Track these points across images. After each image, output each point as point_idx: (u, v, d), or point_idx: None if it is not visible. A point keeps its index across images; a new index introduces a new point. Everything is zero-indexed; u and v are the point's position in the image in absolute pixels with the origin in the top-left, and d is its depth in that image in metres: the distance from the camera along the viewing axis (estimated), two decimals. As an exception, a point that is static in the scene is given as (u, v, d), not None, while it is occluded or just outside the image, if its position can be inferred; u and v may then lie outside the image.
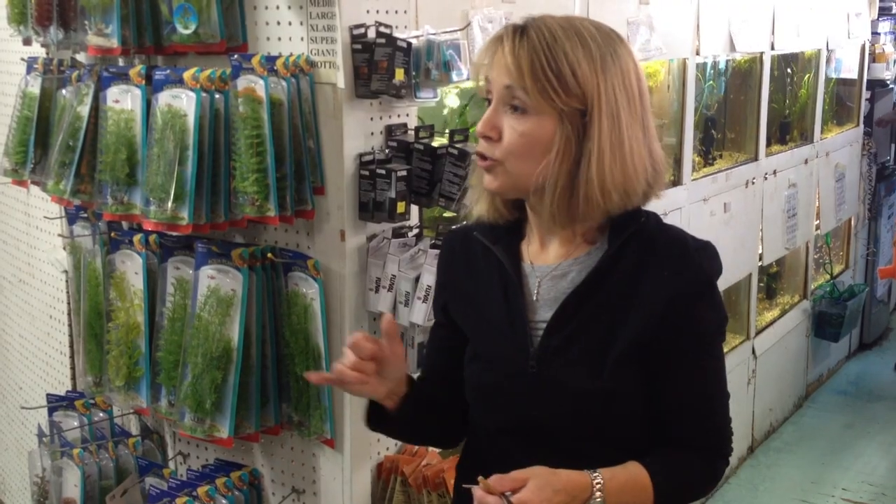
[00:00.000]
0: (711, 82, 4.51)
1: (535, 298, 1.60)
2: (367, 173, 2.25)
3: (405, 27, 2.32)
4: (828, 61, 5.36)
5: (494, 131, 1.52)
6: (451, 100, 2.94)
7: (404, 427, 1.75)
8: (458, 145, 2.29)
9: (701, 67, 4.24)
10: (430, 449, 2.50)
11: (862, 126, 5.90)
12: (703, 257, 1.57)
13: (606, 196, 1.50)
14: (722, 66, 4.58)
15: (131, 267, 2.50)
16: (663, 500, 1.55)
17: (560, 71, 1.47)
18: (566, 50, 1.48)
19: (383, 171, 2.23)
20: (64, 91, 2.60)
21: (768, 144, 4.69)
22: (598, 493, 1.47)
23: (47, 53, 2.84)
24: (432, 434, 1.85)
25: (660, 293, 1.52)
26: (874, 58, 5.93)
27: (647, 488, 1.53)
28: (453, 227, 1.79)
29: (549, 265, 1.61)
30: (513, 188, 1.55)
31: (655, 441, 1.59)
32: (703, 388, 1.59)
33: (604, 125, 1.49)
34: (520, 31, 1.50)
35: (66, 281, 3.08)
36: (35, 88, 2.75)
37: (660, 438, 1.59)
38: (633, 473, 1.53)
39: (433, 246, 2.29)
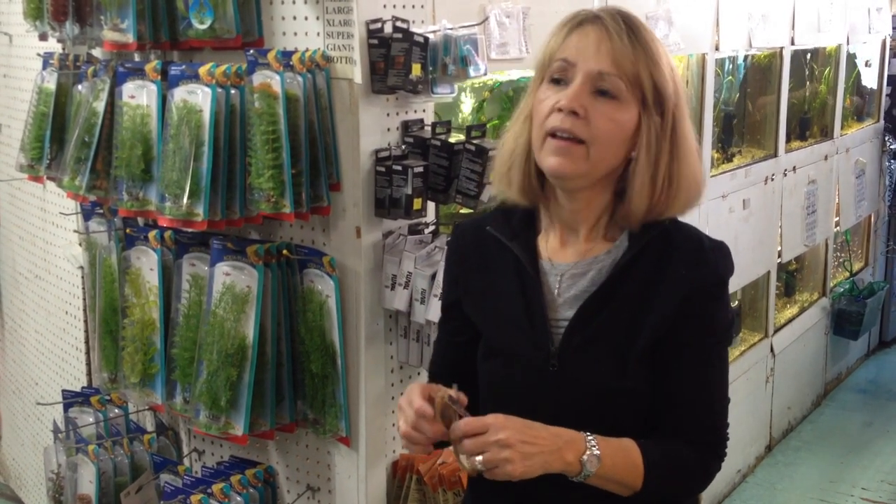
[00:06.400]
0: (730, 77, 4.48)
1: (556, 295, 1.60)
2: (383, 169, 2.24)
3: (422, 22, 2.30)
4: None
5: (583, 109, 1.49)
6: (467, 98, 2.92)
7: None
8: (475, 141, 2.27)
9: (719, 63, 4.20)
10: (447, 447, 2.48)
11: (882, 122, 5.84)
12: (717, 256, 1.59)
13: (694, 188, 1.55)
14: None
15: (146, 263, 2.50)
16: (653, 482, 1.52)
17: (663, 66, 1.50)
18: (662, 48, 1.51)
19: (399, 168, 2.22)
20: (80, 86, 2.60)
21: (788, 140, 4.65)
22: (592, 450, 1.46)
23: (63, 49, 2.84)
24: None
25: (676, 291, 1.54)
26: (894, 53, 5.87)
27: (637, 463, 1.51)
28: (461, 222, 1.77)
29: (569, 263, 1.60)
30: (585, 175, 1.53)
31: (653, 433, 1.58)
32: (704, 384, 1.58)
33: (686, 120, 1.54)
34: (623, 17, 1.51)
35: (82, 277, 3.08)
36: (51, 84, 2.75)
37: (657, 430, 1.58)
38: (623, 444, 1.52)
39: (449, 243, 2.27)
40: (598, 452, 1.46)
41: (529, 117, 1.57)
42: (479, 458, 1.40)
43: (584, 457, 1.45)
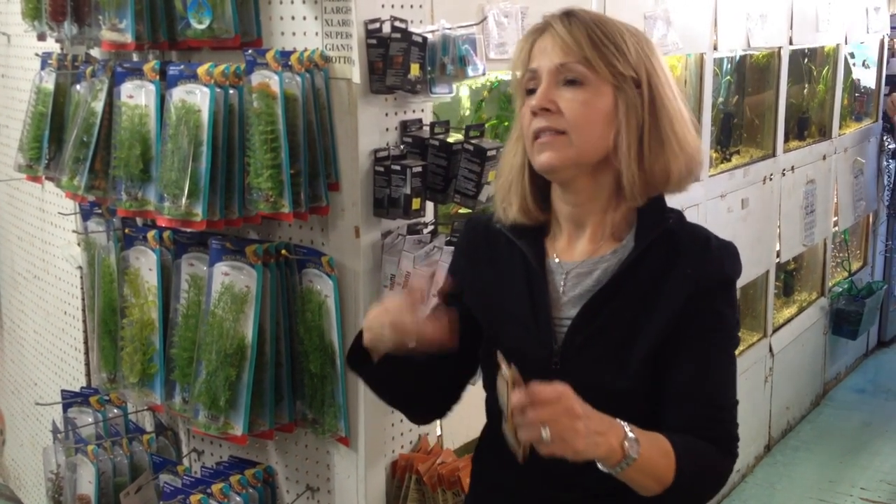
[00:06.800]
0: (729, 77, 4.48)
1: (561, 293, 1.60)
2: (381, 169, 2.24)
3: (420, 22, 2.30)
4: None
5: (553, 104, 1.53)
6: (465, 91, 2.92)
7: (377, 379, 1.71)
8: (473, 141, 2.27)
9: (718, 62, 4.21)
10: (446, 447, 2.48)
11: (881, 121, 5.85)
12: (724, 255, 1.59)
13: (687, 157, 1.56)
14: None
15: (145, 263, 2.50)
16: (683, 476, 1.47)
17: (615, 41, 1.53)
18: (616, 26, 1.55)
19: (398, 168, 2.22)
20: (78, 86, 2.60)
21: (786, 140, 4.66)
22: (630, 433, 1.39)
23: (61, 49, 2.84)
24: (402, 400, 1.80)
25: (681, 290, 1.54)
26: (893, 52, 5.88)
27: (669, 453, 1.46)
28: (475, 215, 1.78)
29: (575, 262, 1.61)
30: (574, 163, 1.54)
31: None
32: (711, 382, 1.58)
33: (666, 92, 1.55)
34: (567, 14, 1.55)
35: (81, 277, 3.08)
36: (49, 84, 2.75)
37: (665, 431, 1.55)
38: (655, 435, 1.47)
39: (448, 243, 2.28)
40: (635, 437, 1.40)
41: (521, 136, 1.61)
42: (547, 429, 1.32)
43: (626, 443, 1.39)
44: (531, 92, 1.56)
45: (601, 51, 1.51)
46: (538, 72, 1.55)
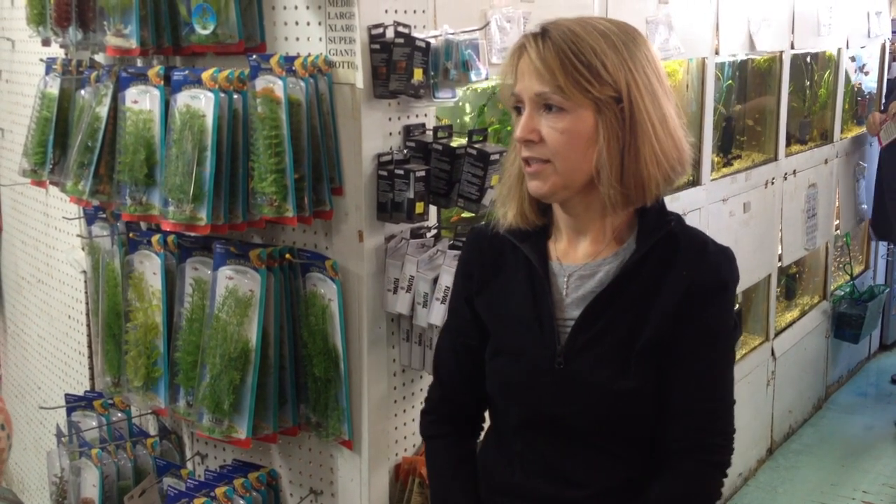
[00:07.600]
0: (730, 82, 4.49)
1: (564, 295, 1.62)
2: (385, 174, 2.24)
3: (424, 27, 2.32)
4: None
5: (535, 134, 1.54)
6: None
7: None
8: (476, 145, 2.28)
9: (719, 67, 4.21)
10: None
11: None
12: (720, 259, 1.60)
13: (663, 171, 1.54)
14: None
15: (149, 267, 2.50)
16: None
17: (589, 62, 1.50)
18: (591, 44, 1.51)
19: (401, 172, 2.22)
20: (83, 92, 2.60)
21: (788, 144, 4.66)
22: None
23: (66, 54, 2.85)
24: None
25: (676, 291, 1.56)
26: (894, 56, 5.88)
27: None
28: (480, 222, 1.80)
29: (578, 264, 1.63)
30: (563, 188, 1.56)
31: (654, 445, 1.60)
32: (706, 389, 1.59)
33: (647, 104, 1.52)
34: (541, 36, 1.53)
35: (85, 281, 3.09)
36: (54, 89, 2.76)
37: (658, 442, 1.60)
38: None
39: (451, 247, 2.28)
40: None
41: None
42: None
43: None
44: (518, 110, 1.58)
45: (574, 77, 1.50)
46: (521, 96, 1.56)
